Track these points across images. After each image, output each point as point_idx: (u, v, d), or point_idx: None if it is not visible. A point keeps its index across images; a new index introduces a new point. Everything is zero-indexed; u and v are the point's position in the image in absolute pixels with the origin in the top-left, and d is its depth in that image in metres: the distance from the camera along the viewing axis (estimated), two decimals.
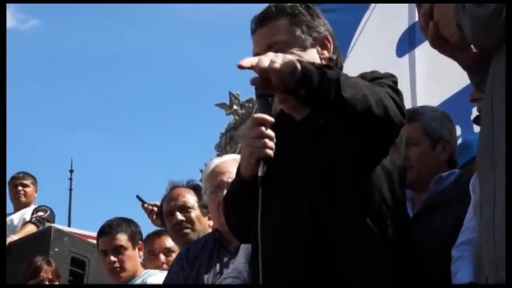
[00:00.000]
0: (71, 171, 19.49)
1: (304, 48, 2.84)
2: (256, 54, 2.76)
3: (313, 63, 2.54)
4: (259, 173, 2.59)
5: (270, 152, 2.61)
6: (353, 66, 6.31)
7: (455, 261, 3.04)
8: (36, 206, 7.90)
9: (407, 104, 5.55)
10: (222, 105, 29.82)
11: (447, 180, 3.46)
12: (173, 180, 4.65)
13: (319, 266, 2.60)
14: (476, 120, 3.50)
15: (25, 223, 7.59)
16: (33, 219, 7.59)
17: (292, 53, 2.74)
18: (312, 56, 2.84)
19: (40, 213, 7.67)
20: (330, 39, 2.91)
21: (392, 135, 2.68)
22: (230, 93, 29.55)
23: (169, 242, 5.27)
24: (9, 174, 8.04)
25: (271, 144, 2.62)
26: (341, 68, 2.93)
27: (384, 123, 2.57)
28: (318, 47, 2.88)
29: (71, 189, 19.13)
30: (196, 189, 4.54)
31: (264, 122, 2.62)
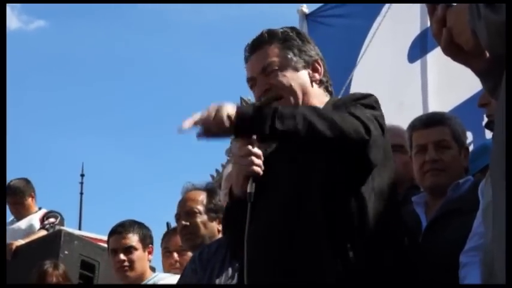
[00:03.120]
0: (82, 175, 19.60)
1: (296, 70, 2.99)
2: (250, 79, 3.01)
3: (251, 106, 2.74)
4: (248, 189, 2.75)
5: (257, 169, 2.78)
6: (364, 72, 6.33)
7: (464, 267, 3.03)
8: (45, 211, 7.88)
9: (419, 110, 5.58)
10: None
11: (463, 187, 3.45)
12: (190, 182, 4.62)
13: (297, 275, 2.70)
14: (489, 126, 3.49)
15: (38, 229, 7.56)
16: (47, 225, 7.58)
17: (284, 76, 2.95)
18: (304, 77, 3.00)
19: (52, 220, 7.64)
20: (320, 63, 3.05)
21: (356, 152, 2.72)
22: (241, 98, 29.49)
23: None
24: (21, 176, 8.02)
25: (258, 161, 2.79)
26: (330, 92, 3.08)
27: (340, 142, 2.67)
28: (309, 70, 3.02)
29: (81, 193, 19.24)
30: (211, 192, 4.51)
31: (251, 141, 2.79)
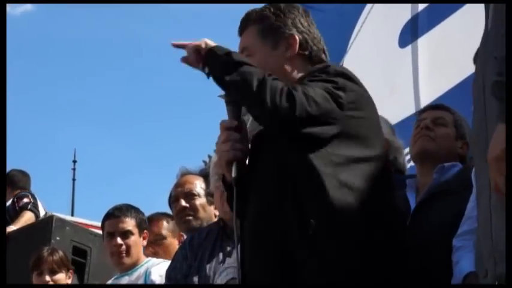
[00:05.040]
0: (74, 161, 19.59)
1: (269, 49, 2.99)
2: None
3: (227, 50, 2.82)
4: (233, 174, 2.78)
5: (238, 153, 2.80)
6: (355, 57, 6.32)
7: (457, 251, 3.05)
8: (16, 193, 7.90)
9: (410, 95, 5.59)
10: (224, 96, 29.89)
11: (450, 172, 3.51)
12: (185, 166, 4.66)
13: (288, 266, 2.69)
14: None
15: (21, 211, 7.58)
16: (29, 206, 7.61)
17: (256, 58, 2.93)
18: (277, 56, 2.98)
19: (26, 200, 7.68)
20: (297, 36, 3.00)
21: (285, 125, 2.71)
22: None
23: (158, 228, 5.26)
24: (12, 165, 8.05)
25: (239, 145, 2.81)
26: (319, 60, 3.01)
27: (267, 113, 2.69)
28: (283, 47, 2.99)
29: (74, 180, 19.23)
30: (206, 177, 4.54)
31: (229, 127, 2.83)
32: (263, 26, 3.01)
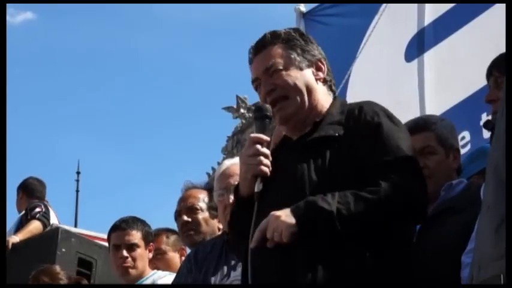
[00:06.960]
0: (78, 173, 19.63)
1: (300, 69, 3.01)
2: (253, 80, 3.03)
3: (308, 208, 2.68)
4: (256, 189, 2.79)
5: (265, 169, 2.81)
6: (361, 71, 6.33)
7: (465, 268, 3.04)
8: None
9: (415, 109, 5.60)
10: (229, 109, 30.10)
11: (456, 189, 3.47)
12: (190, 180, 4.69)
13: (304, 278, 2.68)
14: (487, 125, 3.51)
15: (30, 219, 7.57)
16: (37, 215, 7.59)
17: (289, 75, 2.95)
18: (308, 76, 3.01)
19: (38, 209, 7.67)
20: (324, 62, 3.07)
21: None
22: (237, 97, 29.79)
23: (157, 243, 5.25)
24: (17, 176, 8.09)
25: (266, 161, 2.82)
26: (334, 92, 3.09)
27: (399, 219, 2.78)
28: (313, 69, 3.03)
29: (77, 191, 19.26)
30: (210, 191, 4.56)
31: (260, 141, 2.84)
32: (293, 45, 3.02)
